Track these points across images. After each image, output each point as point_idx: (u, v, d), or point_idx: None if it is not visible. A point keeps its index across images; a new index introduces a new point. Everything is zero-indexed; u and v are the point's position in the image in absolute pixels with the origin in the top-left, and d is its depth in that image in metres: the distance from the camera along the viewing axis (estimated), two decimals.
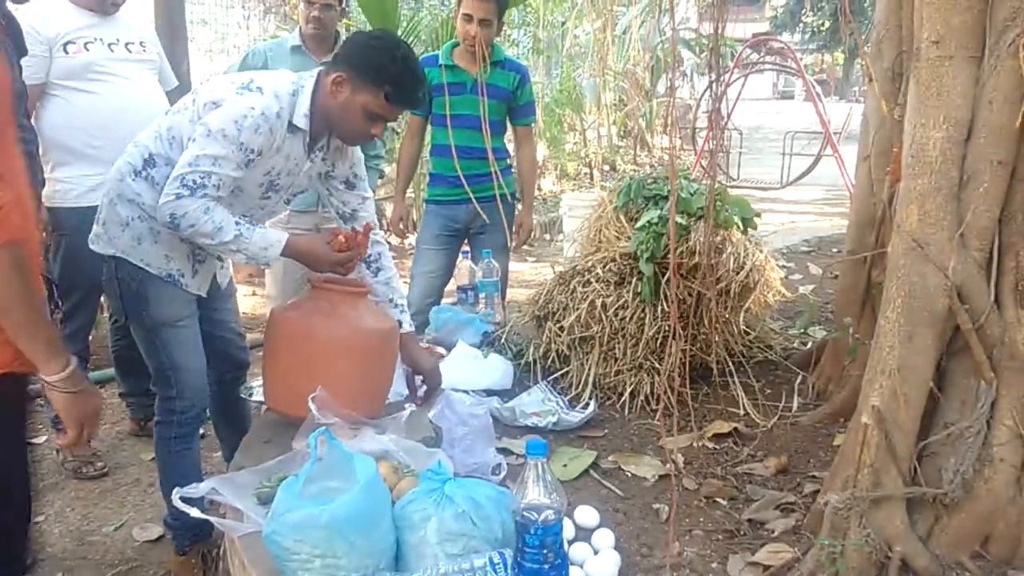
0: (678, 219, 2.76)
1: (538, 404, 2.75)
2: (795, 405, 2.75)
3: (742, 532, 1.93)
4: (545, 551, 1.37)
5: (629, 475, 2.28)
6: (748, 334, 3.08)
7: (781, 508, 2.03)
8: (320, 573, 1.53)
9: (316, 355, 2.21)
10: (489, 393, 2.78)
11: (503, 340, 3.12)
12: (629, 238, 2.85)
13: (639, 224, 2.81)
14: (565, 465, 2.29)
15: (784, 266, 5.04)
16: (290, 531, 1.53)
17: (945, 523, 1.62)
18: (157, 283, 2.29)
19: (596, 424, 2.62)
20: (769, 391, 2.88)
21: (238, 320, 2.80)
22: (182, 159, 2.11)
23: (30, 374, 1.60)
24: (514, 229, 4.00)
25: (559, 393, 2.81)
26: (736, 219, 2.86)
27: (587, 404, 2.71)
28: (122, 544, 2.94)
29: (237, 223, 2.15)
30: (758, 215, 3.02)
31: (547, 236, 8.69)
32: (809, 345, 3.16)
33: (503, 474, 2.18)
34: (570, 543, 1.85)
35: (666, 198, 2.87)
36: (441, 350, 3.09)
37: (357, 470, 1.63)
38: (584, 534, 1.90)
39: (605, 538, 1.86)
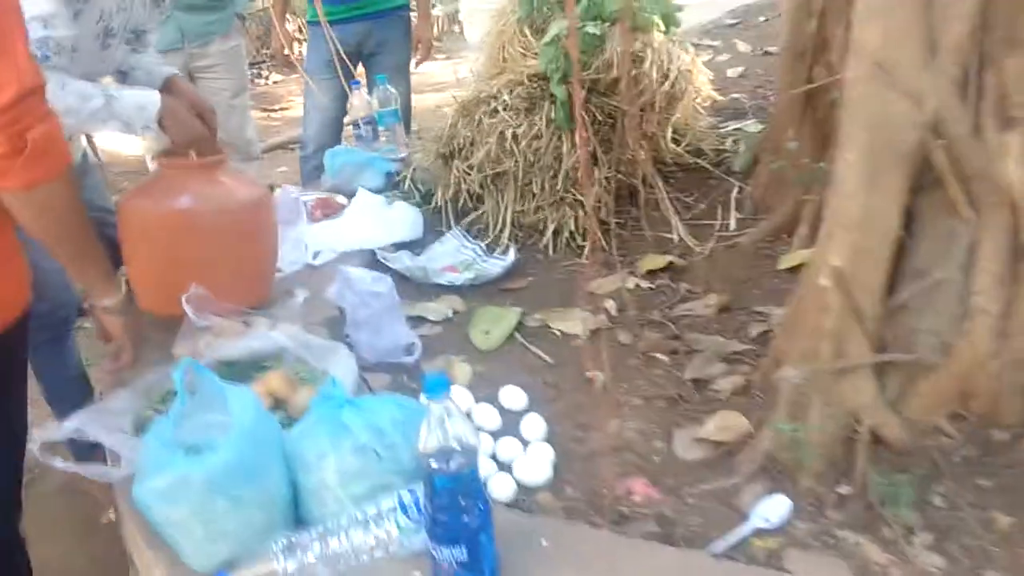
0: (590, 28, 2.39)
1: (453, 254, 2.48)
2: (732, 223, 2.52)
3: (685, 398, 1.75)
4: (462, 501, 1.15)
5: (558, 334, 2.07)
6: (677, 143, 2.79)
7: (727, 360, 1.84)
8: (204, 539, 1.30)
9: (179, 244, 1.88)
10: (398, 247, 2.50)
11: (408, 181, 2.79)
12: (536, 55, 2.48)
13: (546, 38, 2.43)
14: (487, 332, 2.06)
15: (709, 46, 4.68)
16: (159, 498, 1.29)
17: (919, 386, 1.43)
18: None
19: (518, 272, 2.37)
20: (703, 206, 2.64)
21: (106, 195, 2.41)
22: None
23: None
24: (413, 45, 3.56)
25: (475, 238, 2.54)
26: (655, 19, 2.49)
27: (506, 249, 2.45)
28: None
29: (96, 86, 1.79)
30: (679, 8, 2.65)
31: (454, 28, 8.06)
32: (743, 148, 2.88)
33: (417, 354, 1.94)
34: (496, 435, 1.66)
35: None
36: (341, 199, 2.76)
37: (233, 408, 1.37)
38: (511, 421, 1.70)
39: (535, 427, 1.66)
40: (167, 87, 1.98)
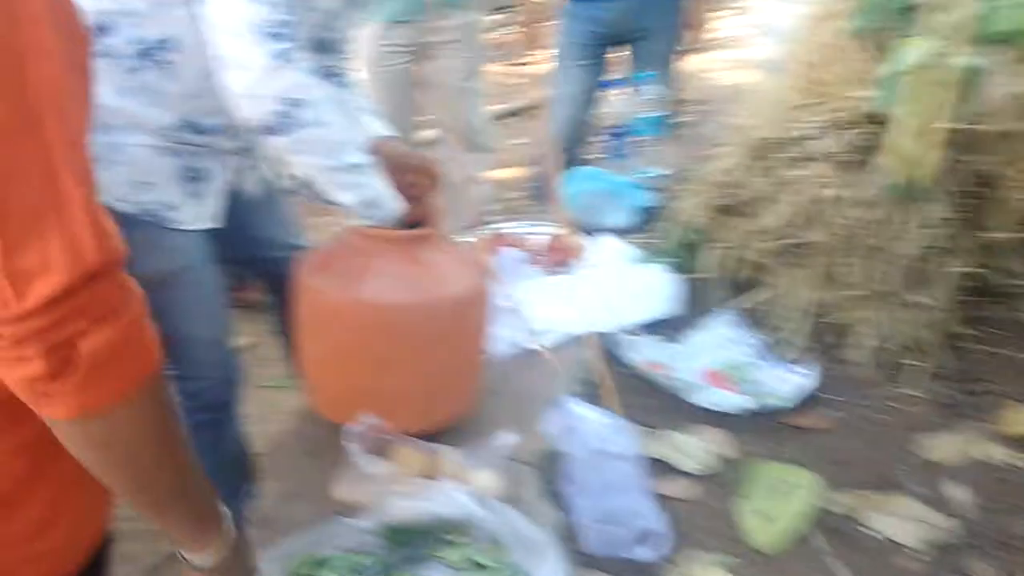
0: (963, 57, 1.60)
1: (721, 350, 1.82)
2: None
3: None
4: None
5: (877, 539, 1.37)
6: None
7: None
8: None
9: (361, 341, 1.38)
10: (648, 329, 1.87)
11: (666, 229, 2.13)
12: (873, 85, 1.73)
13: (893, 65, 1.67)
14: (768, 518, 1.40)
15: None
16: None
17: None
18: (137, 227, 1.46)
19: (817, 399, 1.68)
20: None
21: (292, 229, 1.93)
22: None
23: None
24: (683, 25, 2.88)
25: (753, 329, 1.87)
26: None
27: (801, 356, 1.76)
28: None
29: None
30: None
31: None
32: None
33: (659, 552, 1.33)
34: None
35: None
36: (578, 241, 2.16)
37: None
38: None
39: None
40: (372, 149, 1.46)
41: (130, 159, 1.37)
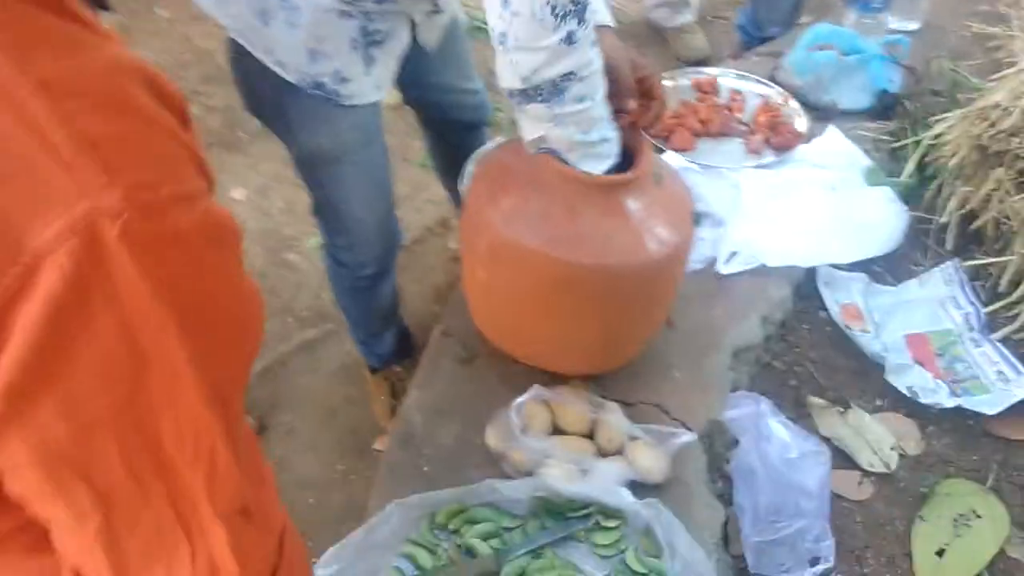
0: None
1: (936, 314, 1.60)
2: None
3: None
4: None
5: None
6: None
7: None
8: None
9: (539, 294, 1.24)
10: (859, 266, 1.65)
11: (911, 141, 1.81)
12: None
13: None
14: (940, 553, 1.29)
15: None
16: None
17: None
18: (300, 98, 1.30)
19: None
20: None
21: (469, 72, 1.69)
22: None
23: None
24: None
25: (977, 295, 1.63)
26: None
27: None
28: None
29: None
30: None
31: None
32: None
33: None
34: None
35: None
36: (801, 123, 1.86)
37: None
38: None
39: None
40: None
41: (309, 22, 1.20)
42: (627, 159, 1.21)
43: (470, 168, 1.32)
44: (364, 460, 1.81)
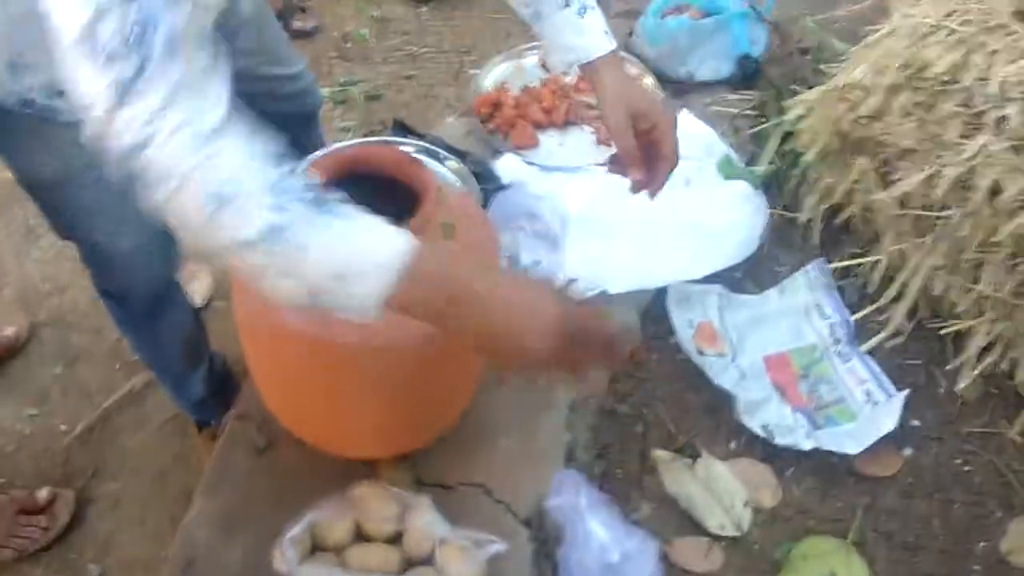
0: None
1: (799, 327, 1.44)
2: None
3: None
4: None
5: None
6: None
7: None
8: None
9: (306, 374, 1.05)
10: (715, 278, 1.47)
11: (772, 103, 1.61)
12: None
13: None
14: None
15: None
16: None
17: None
18: (10, 119, 1.05)
19: (900, 430, 1.32)
20: None
21: (284, 52, 1.45)
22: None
23: None
24: None
25: (844, 301, 1.46)
26: None
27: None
28: None
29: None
30: None
31: None
32: None
33: None
34: None
35: None
36: (646, 80, 1.66)
37: None
38: None
39: None
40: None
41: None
42: (411, 202, 1.00)
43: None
44: None
